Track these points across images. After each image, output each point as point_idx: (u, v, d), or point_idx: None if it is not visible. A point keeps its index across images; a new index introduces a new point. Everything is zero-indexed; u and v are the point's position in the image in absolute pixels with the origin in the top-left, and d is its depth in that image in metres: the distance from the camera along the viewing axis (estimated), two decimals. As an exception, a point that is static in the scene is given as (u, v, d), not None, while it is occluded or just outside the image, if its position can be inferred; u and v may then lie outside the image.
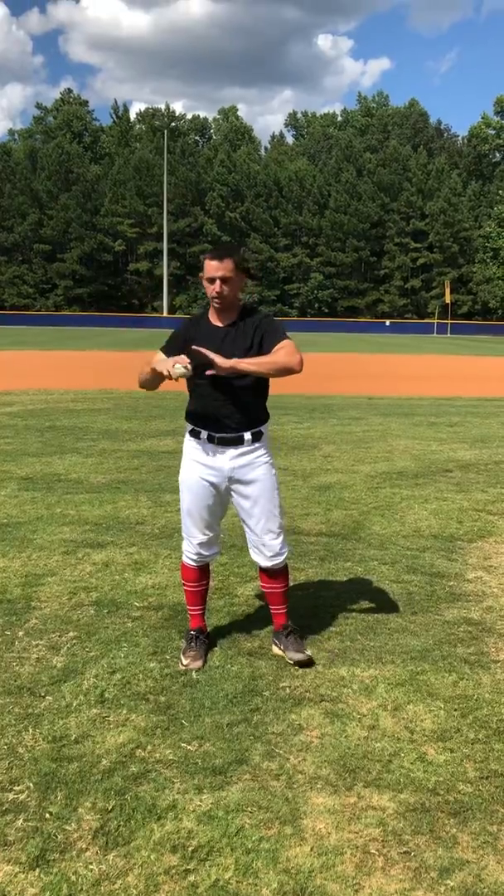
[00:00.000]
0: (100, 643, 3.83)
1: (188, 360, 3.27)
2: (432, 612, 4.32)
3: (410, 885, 2.26)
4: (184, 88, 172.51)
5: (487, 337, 67.95)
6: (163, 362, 3.34)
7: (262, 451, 3.60)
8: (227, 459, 3.53)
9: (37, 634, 3.93)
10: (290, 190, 79.57)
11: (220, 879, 2.26)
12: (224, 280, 3.38)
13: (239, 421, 3.50)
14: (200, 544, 3.71)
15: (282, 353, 3.38)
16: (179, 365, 3.25)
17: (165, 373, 3.27)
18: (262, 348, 3.42)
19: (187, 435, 3.66)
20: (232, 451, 3.52)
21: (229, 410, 3.47)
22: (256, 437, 3.56)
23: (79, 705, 3.23)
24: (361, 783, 2.73)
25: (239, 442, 3.52)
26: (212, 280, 3.40)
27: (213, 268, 3.39)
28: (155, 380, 3.49)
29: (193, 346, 3.35)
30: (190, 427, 3.63)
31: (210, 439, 3.53)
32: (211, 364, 3.30)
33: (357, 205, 77.97)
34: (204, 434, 3.54)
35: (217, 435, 3.51)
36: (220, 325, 3.51)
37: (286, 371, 3.38)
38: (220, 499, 3.64)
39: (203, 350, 3.32)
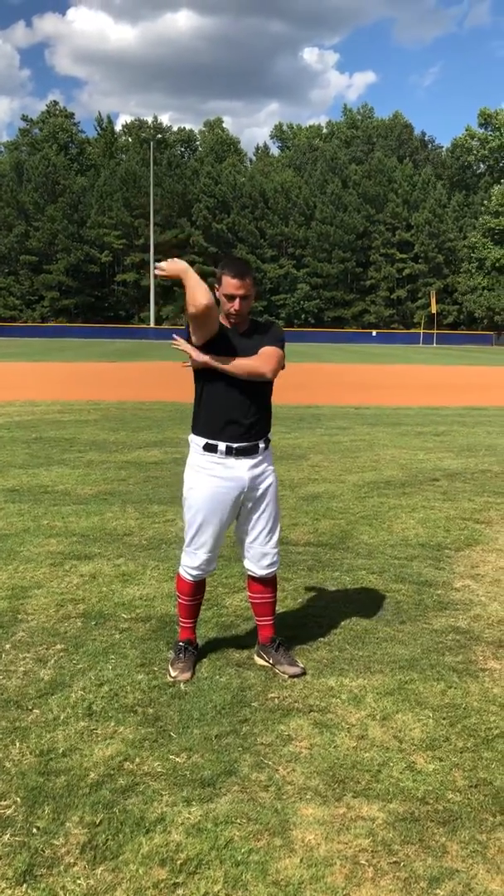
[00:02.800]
0: (87, 655, 3.81)
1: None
2: (420, 621, 4.32)
3: (400, 896, 2.25)
4: (170, 101, 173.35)
5: (473, 346, 68.41)
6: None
7: (269, 458, 3.68)
8: (246, 470, 3.54)
9: (24, 647, 3.90)
10: (276, 201, 79.87)
11: (210, 892, 2.25)
12: (244, 298, 3.41)
13: (254, 430, 3.54)
14: (207, 560, 3.69)
15: (260, 357, 3.42)
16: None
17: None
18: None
19: (200, 450, 3.57)
20: (249, 461, 3.54)
21: (245, 420, 3.50)
22: (266, 445, 3.64)
23: (66, 718, 3.21)
24: (351, 793, 2.73)
25: (255, 451, 3.56)
26: (232, 298, 3.40)
27: (234, 286, 3.39)
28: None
29: (175, 336, 3.49)
30: (203, 441, 3.56)
31: (228, 451, 3.52)
32: (188, 356, 3.43)
33: (343, 216, 78.36)
34: (222, 446, 3.51)
35: (235, 446, 3.51)
36: (240, 332, 3.52)
37: (253, 375, 3.41)
38: (235, 511, 3.64)
39: (180, 342, 3.44)
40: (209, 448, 3.54)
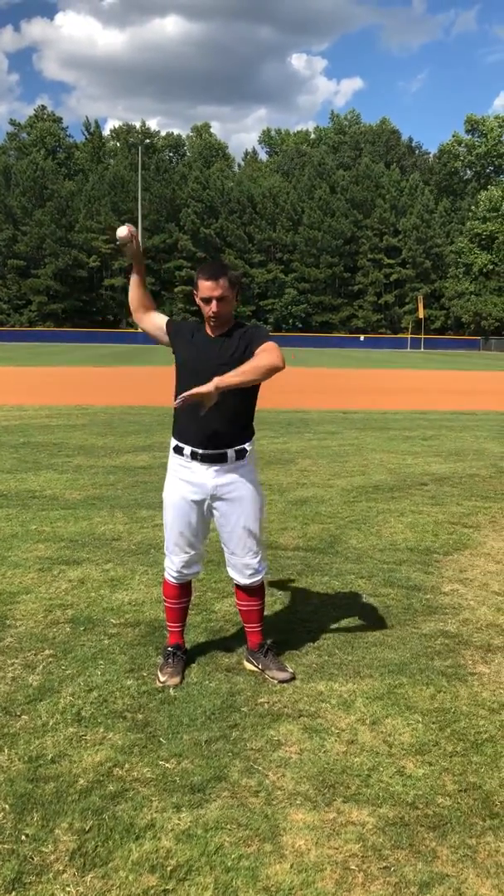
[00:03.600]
0: (76, 661, 3.79)
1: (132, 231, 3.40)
2: (409, 626, 4.33)
3: (391, 901, 2.25)
4: (158, 106, 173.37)
5: (460, 351, 68.74)
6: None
7: (246, 469, 3.55)
8: (210, 477, 3.49)
9: (12, 653, 3.88)
10: (264, 206, 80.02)
11: (200, 899, 2.24)
12: (220, 299, 3.37)
13: (222, 437, 3.46)
14: (182, 563, 3.67)
15: (263, 354, 3.33)
16: (123, 228, 3.37)
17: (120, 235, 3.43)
18: (246, 352, 3.38)
19: (171, 451, 3.62)
20: (215, 468, 3.49)
21: (213, 426, 3.42)
22: (240, 455, 3.51)
23: (55, 724, 3.19)
24: (341, 798, 2.72)
25: (222, 459, 3.48)
26: (208, 300, 3.37)
27: (208, 288, 3.35)
28: (132, 263, 3.66)
29: (178, 398, 3.24)
30: (174, 443, 3.58)
31: (193, 456, 3.49)
32: (201, 401, 3.17)
33: (330, 221, 78.55)
34: (187, 450, 3.50)
35: (200, 451, 3.47)
36: (212, 335, 3.50)
37: (271, 370, 3.29)
38: (203, 517, 3.60)
39: (184, 397, 3.17)
40: (177, 450, 3.56)
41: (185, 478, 3.53)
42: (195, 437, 3.47)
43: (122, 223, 3.57)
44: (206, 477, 3.49)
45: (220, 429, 3.44)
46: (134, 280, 3.71)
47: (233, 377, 3.20)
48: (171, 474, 3.62)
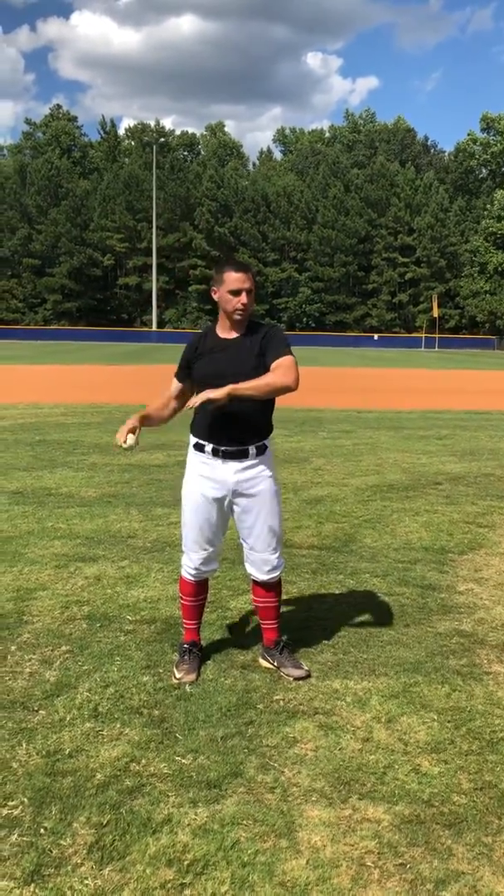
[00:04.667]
0: (92, 657, 3.82)
1: (134, 433, 3.39)
2: (424, 625, 4.33)
3: (406, 897, 2.26)
4: (173, 105, 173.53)
5: (475, 351, 68.45)
6: (118, 433, 3.41)
7: (265, 465, 3.57)
8: (232, 473, 3.51)
9: (29, 649, 3.92)
10: (279, 205, 79.97)
11: (217, 893, 2.26)
12: (249, 292, 3.39)
13: (243, 434, 3.48)
14: (200, 560, 3.69)
15: (279, 371, 3.33)
16: (131, 437, 3.37)
17: (119, 443, 3.38)
18: (262, 357, 3.39)
19: (191, 448, 3.63)
20: (236, 465, 3.50)
21: (234, 423, 3.45)
22: (260, 451, 3.54)
23: (72, 719, 3.22)
24: (356, 795, 2.74)
25: (243, 455, 3.50)
26: (237, 292, 3.37)
27: (239, 280, 3.37)
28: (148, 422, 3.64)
29: (191, 402, 3.35)
30: (194, 440, 3.60)
31: (215, 452, 3.51)
32: (210, 403, 3.26)
33: (345, 220, 78.41)
34: (209, 447, 3.52)
35: (222, 448, 3.49)
36: (228, 337, 3.50)
37: (282, 391, 3.33)
38: (222, 514, 3.62)
39: (196, 400, 3.28)
40: (198, 447, 3.58)
41: (206, 474, 3.55)
42: (217, 434, 3.49)
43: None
44: (227, 473, 3.51)
45: (242, 426, 3.47)
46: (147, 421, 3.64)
47: (246, 389, 3.26)
48: (190, 471, 3.64)
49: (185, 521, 3.68)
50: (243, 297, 3.38)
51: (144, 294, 78.74)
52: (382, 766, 2.91)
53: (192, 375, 3.56)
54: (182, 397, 3.65)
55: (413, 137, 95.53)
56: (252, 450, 3.51)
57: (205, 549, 3.67)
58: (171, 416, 3.69)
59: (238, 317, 3.43)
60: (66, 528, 6.15)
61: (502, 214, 76.10)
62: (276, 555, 3.69)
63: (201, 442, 3.56)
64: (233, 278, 3.38)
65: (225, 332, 3.52)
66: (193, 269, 77.91)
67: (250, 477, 3.53)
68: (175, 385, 3.66)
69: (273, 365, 3.37)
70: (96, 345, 57.65)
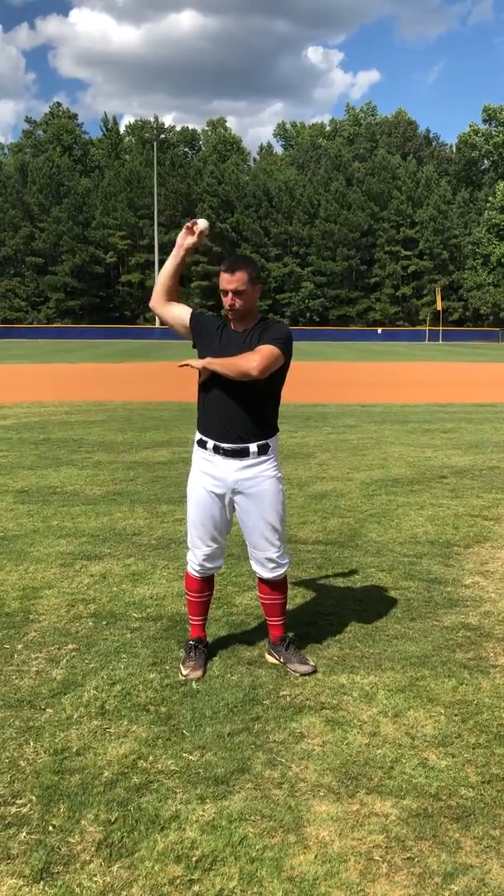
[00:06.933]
0: (99, 655, 3.83)
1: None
2: (430, 618, 4.33)
3: (415, 891, 2.26)
4: (173, 101, 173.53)
5: (479, 343, 68.31)
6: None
7: (268, 465, 3.56)
8: (232, 471, 3.51)
9: (36, 647, 3.93)
10: (280, 200, 79.85)
11: (225, 889, 2.26)
12: (236, 293, 3.38)
13: (244, 432, 3.48)
14: (205, 556, 3.70)
15: (249, 354, 3.34)
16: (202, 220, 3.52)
17: (188, 242, 3.58)
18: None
19: (195, 445, 3.65)
20: (237, 463, 3.50)
21: (235, 421, 3.45)
22: (263, 450, 3.52)
23: (79, 717, 3.23)
24: (364, 790, 2.74)
25: (244, 454, 3.49)
26: (224, 293, 3.41)
27: (225, 280, 3.40)
28: (177, 265, 3.66)
29: (181, 363, 3.49)
30: (198, 437, 3.63)
31: (216, 450, 3.52)
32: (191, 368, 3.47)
33: (347, 214, 78.24)
34: (210, 444, 3.53)
35: (223, 445, 3.50)
36: (237, 330, 3.52)
37: (241, 374, 3.33)
38: (225, 511, 3.62)
39: (183, 363, 3.46)
40: (201, 444, 3.60)
41: (208, 471, 3.56)
42: (218, 431, 3.50)
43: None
44: (227, 471, 3.51)
45: (243, 424, 3.47)
46: (173, 266, 3.65)
47: (217, 364, 3.37)
48: (194, 467, 3.65)
49: (190, 517, 3.69)
50: (228, 298, 3.41)
51: (147, 291, 78.49)
52: (390, 761, 2.91)
53: (198, 349, 3.59)
54: (174, 303, 3.68)
55: (414, 130, 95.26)
56: (253, 448, 3.50)
57: (209, 546, 3.67)
58: (171, 287, 3.68)
59: (229, 315, 3.47)
60: (72, 526, 6.15)
61: (505, 206, 75.83)
62: (279, 554, 3.68)
63: (204, 438, 3.58)
64: (222, 279, 3.43)
65: (234, 326, 3.54)
66: (196, 265, 77.84)
67: (251, 476, 3.52)
68: (183, 306, 3.70)
69: (256, 348, 3.38)
70: (99, 342, 57.67)
